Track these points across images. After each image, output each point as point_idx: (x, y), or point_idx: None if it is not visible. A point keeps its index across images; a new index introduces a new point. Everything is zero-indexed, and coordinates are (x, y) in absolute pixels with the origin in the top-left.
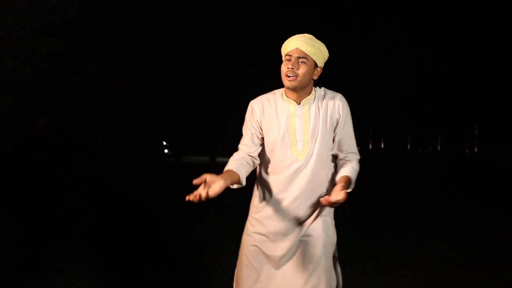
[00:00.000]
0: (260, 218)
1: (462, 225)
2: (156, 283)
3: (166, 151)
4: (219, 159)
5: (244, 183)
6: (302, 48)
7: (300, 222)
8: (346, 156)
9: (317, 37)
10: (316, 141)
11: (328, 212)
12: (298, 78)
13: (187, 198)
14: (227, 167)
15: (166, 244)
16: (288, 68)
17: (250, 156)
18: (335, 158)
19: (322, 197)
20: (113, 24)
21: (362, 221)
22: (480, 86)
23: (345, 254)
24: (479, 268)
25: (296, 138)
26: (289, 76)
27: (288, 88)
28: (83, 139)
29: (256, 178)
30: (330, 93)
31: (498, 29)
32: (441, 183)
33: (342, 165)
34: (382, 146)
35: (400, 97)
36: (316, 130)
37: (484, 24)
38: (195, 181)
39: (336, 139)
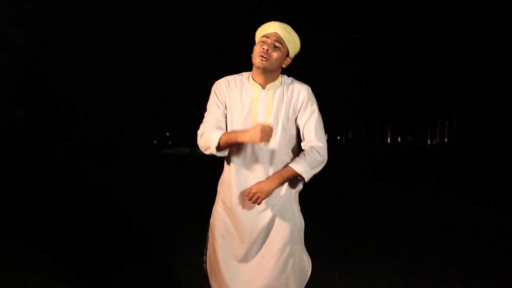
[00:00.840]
0: (226, 201)
1: (442, 215)
2: (135, 275)
3: (170, 142)
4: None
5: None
6: (280, 33)
7: (264, 208)
8: (305, 145)
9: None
10: (277, 127)
11: (294, 198)
12: (270, 61)
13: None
14: (219, 133)
15: (144, 234)
16: (263, 49)
17: (221, 129)
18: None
19: (290, 183)
20: (95, 15)
21: (342, 211)
22: (456, 75)
23: (327, 243)
24: (456, 255)
25: (258, 122)
26: (262, 57)
27: (259, 67)
28: (65, 129)
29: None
30: (297, 83)
31: (474, 17)
32: (423, 174)
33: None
34: (362, 135)
35: (378, 87)
36: (278, 116)
37: (459, 12)
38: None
39: (300, 129)
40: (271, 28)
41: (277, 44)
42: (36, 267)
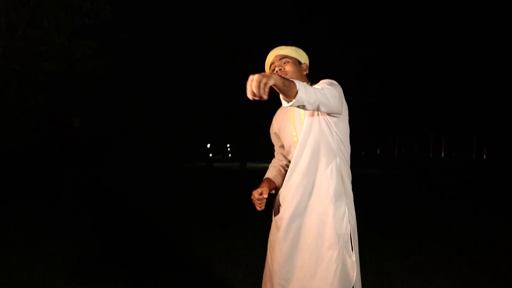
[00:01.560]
0: (276, 213)
1: (496, 233)
2: (185, 285)
3: (230, 155)
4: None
5: (280, 187)
6: (280, 52)
7: (304, 211)
8: None
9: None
10: (309, 133)
11: (332, 202)
12: (288, 74)
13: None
14: (267, 175)
15: (192, 246)
16: (276, 72)
17: (283, 162)
18: (344, 160)
19: (326, 187)
20: (145, 27)
21: (391, 226)
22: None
23: (375, 259)
24: (510, 277)
25: (297, 135)
26: None
27: None
28: (117, 141)
29: None
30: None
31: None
32: (476, 189)
33: None
34: (415, 149)
35: (434, 99)
36: (311, 122)
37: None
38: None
39: None
40: (271, 56)
41: (284, 60)
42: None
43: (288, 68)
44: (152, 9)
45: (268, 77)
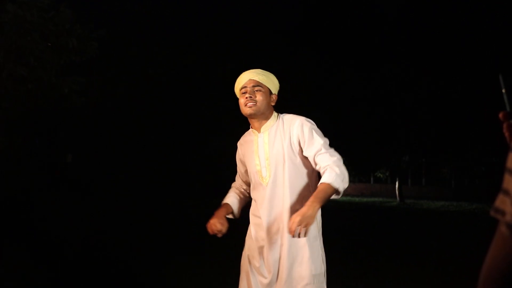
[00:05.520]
0: (250, 244)
1: (458, 255)
2: None
3: None
4: None
5: (237, 215)
6: (255, 78)
7: (283, 248)
8: (320, 168)
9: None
10: (276, 165)
11: (318, 241)
12: (258, 104)
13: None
14: (225, 200)
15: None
16: (246, 98)
17: (243, 188)
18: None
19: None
20: (132, 61)
21: (377, 251)
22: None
23: (354, 284)
24: None
25: (261, 164)
26: (248, 104)
27: (250, 115)
28: (108, 176)
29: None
30: (291, 116)
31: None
32: (435, 212)
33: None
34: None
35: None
36: (277, 154)
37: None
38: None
39: (311, 159)
40: (245, 78)
41: (256, 88)
42: None
43: (259, 97)
44: (139, 40)
45: (310, 217)
